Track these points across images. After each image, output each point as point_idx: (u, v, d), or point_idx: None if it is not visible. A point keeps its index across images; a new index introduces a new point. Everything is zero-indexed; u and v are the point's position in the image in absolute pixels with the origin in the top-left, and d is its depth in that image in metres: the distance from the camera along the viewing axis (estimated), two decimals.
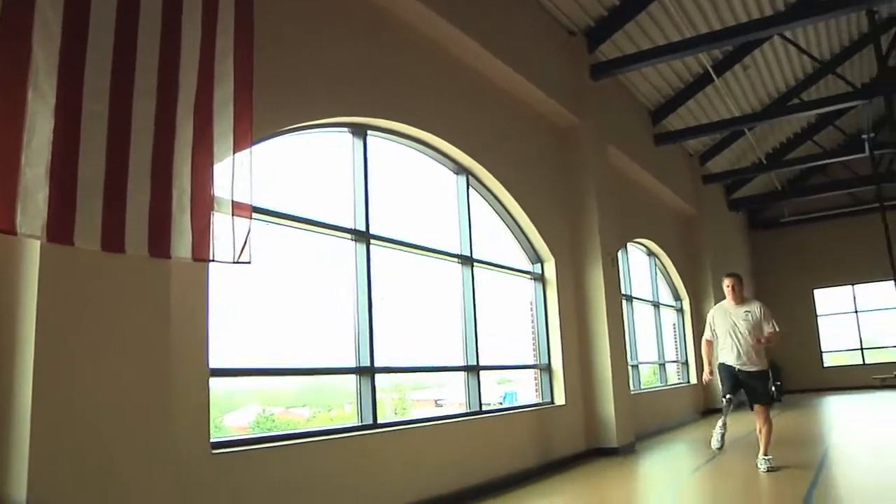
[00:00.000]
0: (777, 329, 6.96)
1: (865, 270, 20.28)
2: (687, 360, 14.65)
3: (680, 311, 14.90)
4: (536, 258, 8.99)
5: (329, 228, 5.74)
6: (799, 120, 16.91)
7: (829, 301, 21.74)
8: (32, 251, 3.31)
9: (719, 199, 18.10)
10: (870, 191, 18.42)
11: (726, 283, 7.22)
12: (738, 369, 6.99)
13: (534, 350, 8.80)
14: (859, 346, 21.32)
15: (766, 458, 7.02)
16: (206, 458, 4.20)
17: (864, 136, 15.52)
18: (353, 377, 5.73)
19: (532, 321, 8.89)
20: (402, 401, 7.04)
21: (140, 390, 3.56)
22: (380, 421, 5.76)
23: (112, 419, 3.43)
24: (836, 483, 6.61)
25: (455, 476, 6.27)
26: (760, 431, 7.11)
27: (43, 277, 3.27)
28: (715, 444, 7.06)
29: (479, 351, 7.35)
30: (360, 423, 5.64)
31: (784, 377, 19.40)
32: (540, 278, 8.98)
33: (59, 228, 3.27)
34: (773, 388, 7.23)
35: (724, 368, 7.12)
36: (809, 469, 7.07)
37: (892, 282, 15.99)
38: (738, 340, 7.02)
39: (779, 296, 21.59)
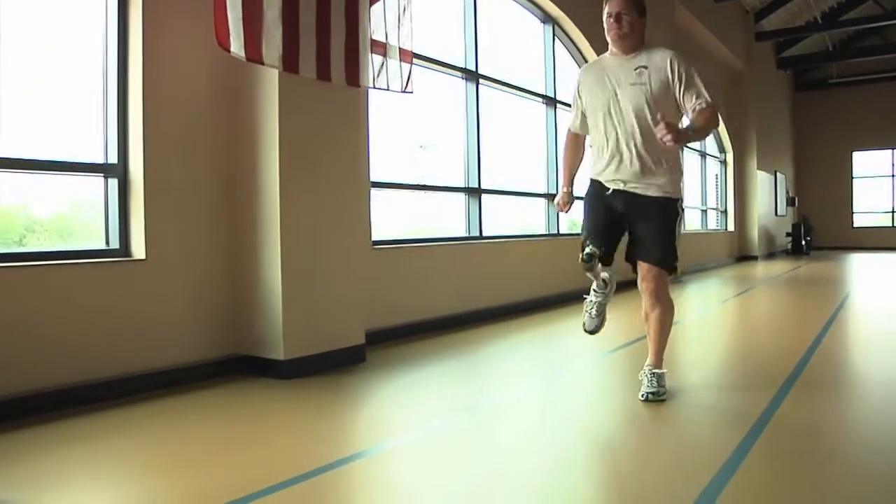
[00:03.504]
0: (711, 100, 3.41)
1: None
2: (726, 209, 15.66)
3: (723, 162, 15.76)
4: None
5: (447, 67, 6.65)
6: None
7: (867, 164, 22.28)
8: (272, 84, 4.30)
9: (768, 58, 18.40)
10: None
11: (608, 9, 3.50)
12: (614, 191, 3.58)
13: None
14: (891, 209, 22.05)
15: (653, 372, 3.67)
16: (370, 251, 5.33)
17: None
18: (462, 196, 6.85)
19: None
20: None
21: (343, 195, 4.65)
22: (484, 234, 6.93)
23: (328, 215, 4.55)
24: (855, 311, 7.63)
25: (537, 287, 7.46)
26: (646, 319, 3.71)
27: (282, 101, 4.27)
28: (589, 324, 4.03)
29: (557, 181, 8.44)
30: (468, 235, 6.79)
31: (814, 234, 20.35)
32: None
33: (290, 60, 4.23)
34: (677, 242, 3.60)
35: (592, 191, 3.71)
36: (834, 301, 8.11)
37: None
38: (619, 128, 3.50)
39: (817, 157, 22.23)
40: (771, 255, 17.99)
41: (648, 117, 3.43)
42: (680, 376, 4.21)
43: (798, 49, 19.60)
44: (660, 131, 3.24)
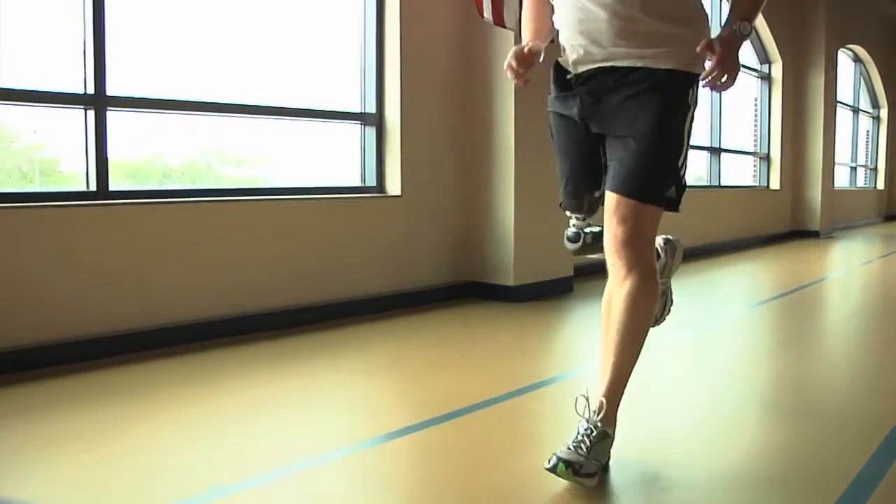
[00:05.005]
0: None
1: None
2: (876, 167, 15.40)
3: (876, 118, 15.41)
4: (765, 59, 10.01)
5: None
6: None
7: None
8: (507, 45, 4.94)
9: None
10: None
11: None
12: (584, 86, 2.14)
13: (755, 140, 10.09)
14: None
15: (590, 430, 2.03)
16: None
17: None
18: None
19: (755, 115, 10.11)
20: None
21: None
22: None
23: (546, 159, 5.15)
24: None
25: (700, 235, 7.89)
26: (606, 307, 2.17)
27: None
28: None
29: (721, 136, 8.82)
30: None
31: None
32: (767, 78, 10.06)
33: None
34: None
35: (555, 101, 2.30)
36: None
37: None
38: None
39: None
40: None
41: None
42: (809, 351, 3.95)
43: None
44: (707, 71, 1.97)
